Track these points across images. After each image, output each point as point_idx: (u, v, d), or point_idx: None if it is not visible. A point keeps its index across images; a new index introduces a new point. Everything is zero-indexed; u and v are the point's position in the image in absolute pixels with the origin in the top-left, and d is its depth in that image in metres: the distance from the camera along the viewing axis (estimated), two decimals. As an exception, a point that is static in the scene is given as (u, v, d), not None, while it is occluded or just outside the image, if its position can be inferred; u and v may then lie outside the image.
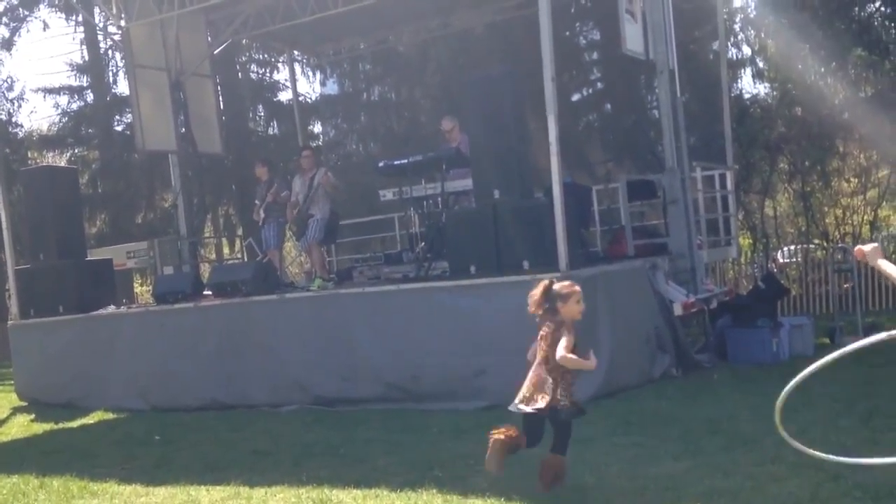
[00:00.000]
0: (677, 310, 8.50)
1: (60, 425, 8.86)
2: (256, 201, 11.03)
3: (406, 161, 9.05)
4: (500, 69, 9.70)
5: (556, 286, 4.83)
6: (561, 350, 4.61)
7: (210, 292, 9.81)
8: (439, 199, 9.42)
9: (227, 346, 9.10)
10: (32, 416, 9.63)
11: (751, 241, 16.39)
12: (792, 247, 17.68)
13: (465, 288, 7.87)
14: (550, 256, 7.58)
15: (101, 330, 10.01)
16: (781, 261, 16.38)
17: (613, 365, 7.63)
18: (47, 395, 10.25)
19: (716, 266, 13.80)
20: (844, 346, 8.51)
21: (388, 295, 8.38)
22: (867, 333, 9.64)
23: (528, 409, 4.60)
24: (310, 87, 22.15)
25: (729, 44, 14.66)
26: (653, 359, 8.28)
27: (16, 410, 10.22)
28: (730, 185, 11.47)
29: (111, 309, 10.30)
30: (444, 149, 9.52)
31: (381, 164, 9.37)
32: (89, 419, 9.09)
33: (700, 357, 9.00)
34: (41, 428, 8.86)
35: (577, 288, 4.84)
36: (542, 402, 4.59)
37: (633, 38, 9.22)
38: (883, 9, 15.53)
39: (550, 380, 4.69)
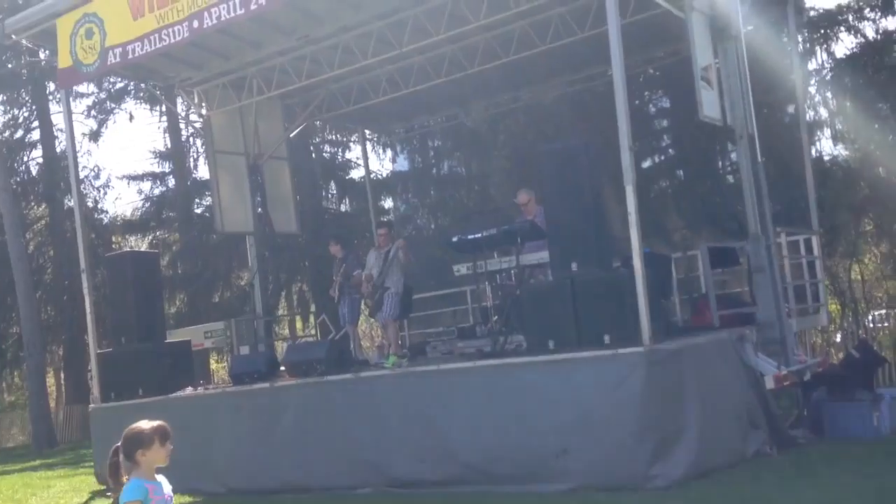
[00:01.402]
0: (769, 383, 8.07)
1: (138, 509, 8.81)
2: (334, 278, 11.08)
3: (480, 235, 8.95)
4: (577, 140, 9.63)
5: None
6: None
7: (285, 371, 9.77)
8: (513, 272, 9.28)
9: (302, 427, 8.99)
10: (111, 500, 9.59)
11: (839, 306, 15.69)
12: (882, 311, 16.89)
13: (543, 364, 7.63)
14: (632, 330, 7.31)
15: (179, 412, 9.99)
16: (871, 326, 15.61)
17: (703, 444, 7.24)
18: (126, 479, 10.25)
19: (804, 335, 13.22)
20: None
21: (465, 372, 8.19)
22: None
23: None
24: (380, 163, 22.54)
25: (805, 106, 14.31)
26: (745, 436, 7.83)
27: (95, 494, 10.25)
28: (816, 250, 11.02)
29: (189, 391, 10.35)
30: (519, 222, 9.41)
31: (454, 239, 9.29)
32: None
33: (795, 433, 8.49)
34: (120, 512, 8.81)
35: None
36: None
37: (709, 105, 9.03)
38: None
39: None
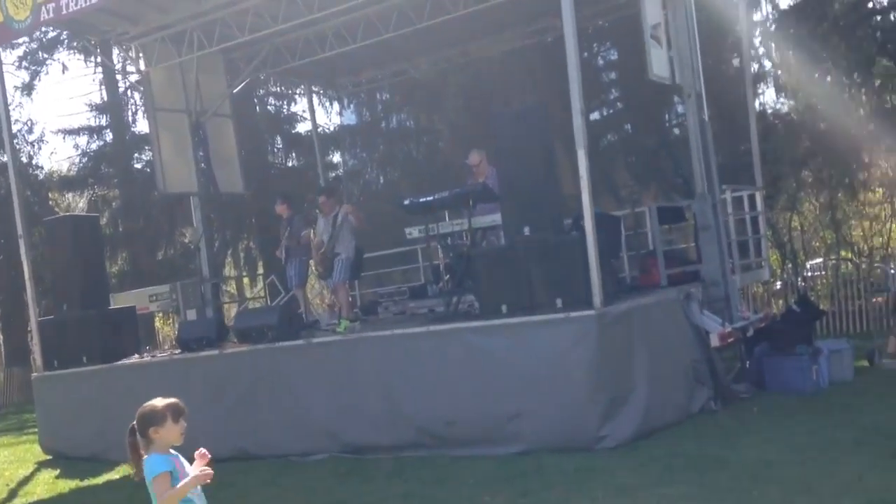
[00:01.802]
0: (714, 341, 8.25)
1: (86, 482, 8.73)
2: (281, 238, 10.90)
3: (432, 198, 8.89)
4: (530, 103, 9.57)
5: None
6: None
7: (235, 338, 9.67)
8: (465, 234, 9.26)
9: (254, 394, 8.94)
10: (57, 471, 9.50)
11: (779, 257, 16.07)
12: (819, 260, 17.37)
13: (496, 328, 7.67)
14: (584, 293, 7.38)
15: (125, 380, 9.88)
16: (809, 275, 16.06)
17: (651, 403, 7.40)
18: (71, 449, 10.13)
19: (746, 288, 13.54)
20: (884, 367, 8.32)
21: (418, 337, 8.19)
22: (907, 354, 9.49)
23: None
24: (327, 117, 22.13)
25: (750, 59, 14.39)
26: (691, 393, 8.03)
27: (40, 465, 10.10)
28: (759, 205, 11.23)
29: (135, 358, 10.19)
30: (471, 184, 9.36)
31: (406, 202, 9.20)
32: (114, 474, 8.92)
33: (737, 387, 8.73)
34: (66, 486, 8.72)
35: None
36: None
37: (658, 63, 9.01)
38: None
39: None
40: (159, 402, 3.72)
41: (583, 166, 7.62)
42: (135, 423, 3.66)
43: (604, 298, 7.33)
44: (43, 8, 10.04)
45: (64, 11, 9.93)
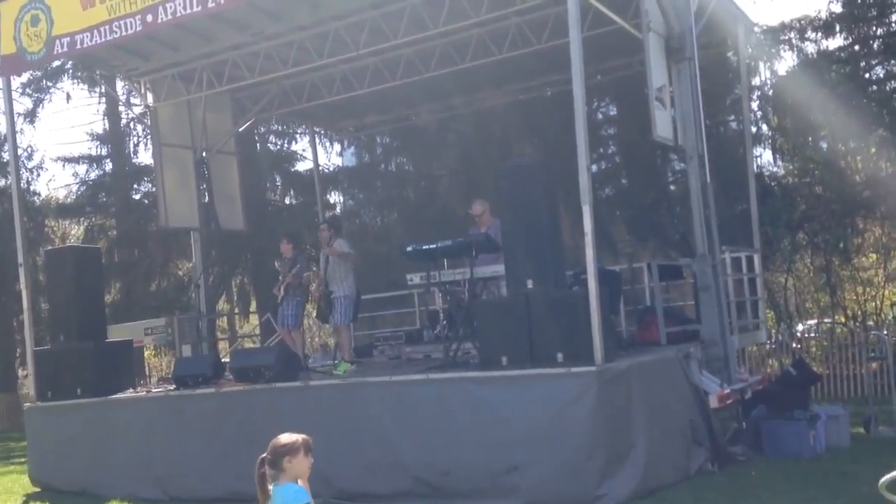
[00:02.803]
0: (713, 402, 8.30)
1: (76, 517, 8.63)
2: (281, 277, 10.91)
3: (435, 246, 8.96)
4: (533, 157, 9.70)
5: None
6: None
7: (231, 376, 9.63)
8: (466, 283, 9.31)
9: (248, 434, 8.82)
10: (45, 504, 9.38)
11: (773, 317, 16.18)
12: (812, 322, 17.50)
13: (496, 379, 7.68)
14: (585, 348, 7.41)
15: (118, 414, 9.80)
16: (803, 336, 16.16)
17: (650, 462, 7.40)
18: (61, 482, 9.99)
19: (741, 349, 13.62)
20: (880, 436, 8.33)
21: (417, 384, 8.18)
22: (903, 424, 9.54)
23: None
24: (327, 157, 22.27)
25: (750, 123, 14.63)
26: (689, 453, 8.03)
27: (29, 498, 9.95)
28: (757, 267, 11.35)
29: (129, 392, 10.13)
30: (475, 234, 9.45)
31: (409, 249, 9.27)
32: (104, 510, 8.84)
33: (734, 449, 8.75)
34: (56, 520, 8.62)
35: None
36: None
37: (662, 125, 9.19)
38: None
39: None
40: (294, 435, 4.05)
41: (588, 223, 7.70)
42: (266, 454, 3.93)
43: (605, 354, 7.37)
44: (57, 42, 10.18)
45: (78, 46, 10.08)
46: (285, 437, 3.97)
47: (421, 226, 17.23)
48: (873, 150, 14.98)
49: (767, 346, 14.63)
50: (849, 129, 15.02)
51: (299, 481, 3.95)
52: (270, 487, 3.85)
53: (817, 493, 6.88)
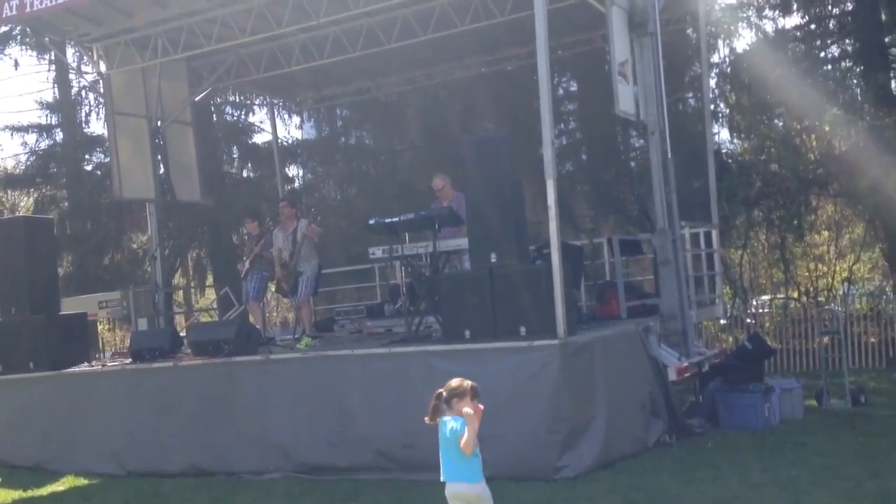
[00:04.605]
0: (671, 374, 8.41)
1: (30, 493, 8.44)
2: (244, 257, 10.76)
3: (398, 219, 8.90)
4: (497, 132, 9.66)
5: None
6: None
7: (189, 350, 9.50)
8: (427, 257, 9.27)
9: (208, 409, 8.78)
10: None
11: (730, 293, 16.44)
12: (766, 298, 17.82)
13: (459, 353, 7.69)
14: (548, 322, 7.45)
15: (74, 389, 9.63)
16: (756, 311, 16.47)
17: (610, 434, 7.49)
18: (15, 457, 9.79)
19: (697, 324, 13.84)
20: (832, 408, 8.58)
21: (379, 357, 8.16)
22: (854, 396, 9.79)
23: None
24: (286, 130, 21.98)
25: (709, 100, 14.74)
26: (647, 426, 8.15)
27: (-18, 473, 9.75)
28: (715, 243, 11.50)
29: (84, 366, 9.93)
30: (438, 208, 9.40)
31: (371, 222, 9.19)
32: (60, 485, 8.67)
33: (691, 422, 8.89)
34: (9, 496, 8.41)
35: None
36: None
37: (625, 100, 9.20)
38: (856, 68, 15.90)
39: None
40: (465, 381, 4.72)
41: (551, 197, 7.70)
42: (441, 391, 4.72)
43: (567, 328, 7.41)
44: (6, 4, 9.85)
45: (28, 9, 9.76)
46: (456, 382, 4.71)
47: (381, 200, 17.14)
48: (827, 128, 15.21)
49: (723, 321, 14.90)
50: (804, 108, 15.24)
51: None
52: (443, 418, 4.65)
53: (772, 463, 7.03)
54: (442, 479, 4.67)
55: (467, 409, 4.50)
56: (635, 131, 15.64)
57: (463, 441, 4.48)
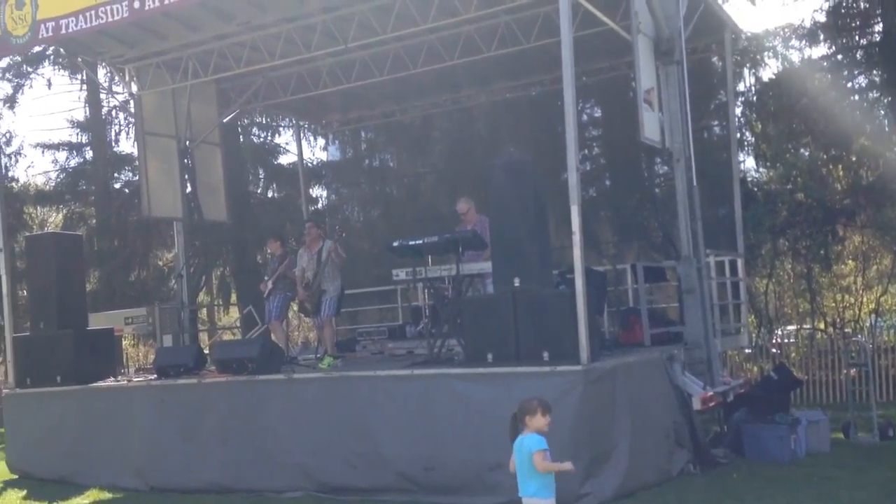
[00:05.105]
0: (696, 404, 8.33)
1: (54, 506, 8.54)
2: (266, 277, 10.83)
3: (422, 242, 8.94)
4: (522, 156, 9.71)
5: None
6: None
7: (214, 367, 9.57)
8: (450, 280, 9.30)
9: (231, 426, 8.83)
10: (24, 492, 9.24)
11: (755, 322, 16.32)
12: (792, 328, 17.65)
13: (482, 376, 7.69)
14: (571, 347, 7.42)
15: (100, 403, 9.73)
16: (782, 341, 16.31)
17: (632, 462, 7.43)
18: (40, 470, 9.90)
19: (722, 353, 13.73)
20: (859, 442, 8.44)
21: (402, 379, 8.16)
22: (882, 430, 9.65)
23: None
24: (311, 151, 22.15)
25: (735, 128, 14.73)
26: (671, 455, 8.08)
27: (6, 485, 9.82)
28: (740, 271, 11.44)
29: (110, 381, 10.03)
30: (462, 231, 9.43)
31: (395, 244, 9.24)
32: (84, 499, 8.75)
33: (716, 452, 8.80)
34: (33, 509, 8.52)
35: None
36: None
37: (650, 127, 9.21)
38: (884, 98, 15.82)
39: None
40: (533, 398, 5.13)
41: (576, 222, 7.69)
42: (515, 411, 5.06)
43: (590, 354, 7.39)
44: (42, 26, 10.06)
45: (63, 31, 9.97)
46: (526, 401, 5.06)
47: (404, 222, 17.19)
48: (854, 158, 15.14)
49: (747, 351, 14.78)
50: (831, 137, 15.18)
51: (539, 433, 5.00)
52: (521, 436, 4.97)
53: (798, 496, 6.95)
54: (518, 494, 5.00)
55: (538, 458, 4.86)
56: (660, 158, 15.64)
57: (535, 459, 4.85)
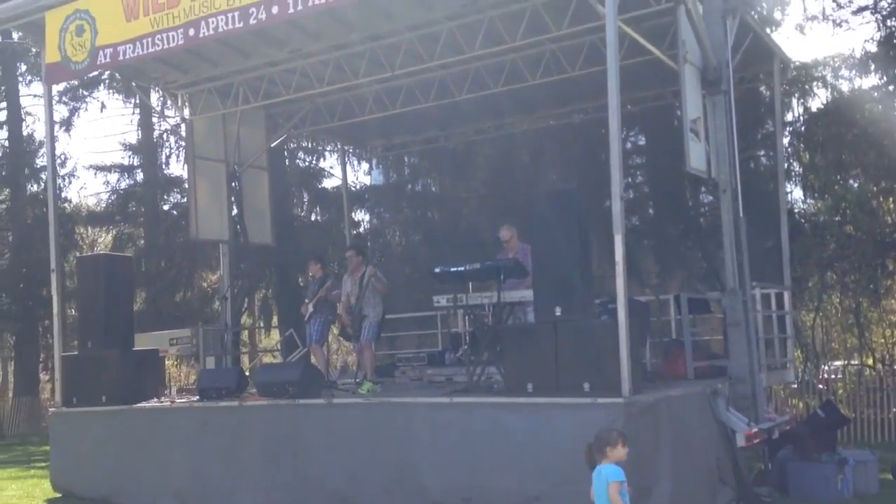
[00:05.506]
0: (740, 441, 8.17)
1: (96, 525, 8.63)
2: (306, 300, 10.93)
3: (464, 269, 8.95)
4: (566, 184, 9.68)
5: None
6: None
7: (255, 391, 9.64)
8: (490, 307, 9.28)
9: (270, 450, 8.87)
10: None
11: (801, 356, 16.00)
12: (839, 363, 17.26)
13: (522, 406, 7.63)
14: (612, 379, 7.34)
15: (143, 423, 9.85)
16: (829, 377, 15.94)
17: (675, 499, 7.28)
18: (83, 489, 10.02)
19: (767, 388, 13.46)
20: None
21: (441, 407, 8.13)
22: (933, 471, 9.36)
23: None
24: (354, 175, 22.43)
25: (783, 160, 14.56)
26: (714, 492, 7.92)
27: (50, 503, 9.99)
28: (787, 305, 11.24)
29: (154, 402, 10.17)
30: (503, 259, 9.43)
31: (437, 270, 9.25)
32: (125, 518, 8.84)
33: (759, 490, 8.61)
34: (77, 528, 8.64)
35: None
36: None
37: (696, 157, 9.15)
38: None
39: None
40: (612, 430, 5.34)
41: (619, 252, 7.63)
42: (592, 442, 5.24)
43: (632, 386, 7.31)
44: (101, 52, 10.32)
45: (121, 57, 10.21)
46: (605, 432, 5.25)
47: (445, 248, 17.25)
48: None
49: (793, 386, 14.48)
50: (881, 169, 14.90)
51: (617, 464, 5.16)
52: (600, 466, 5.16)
53: (846, 538, 6.76)
54: None
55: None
56: (705, 187, 15.49)
57: (611, 489, 5.04)
